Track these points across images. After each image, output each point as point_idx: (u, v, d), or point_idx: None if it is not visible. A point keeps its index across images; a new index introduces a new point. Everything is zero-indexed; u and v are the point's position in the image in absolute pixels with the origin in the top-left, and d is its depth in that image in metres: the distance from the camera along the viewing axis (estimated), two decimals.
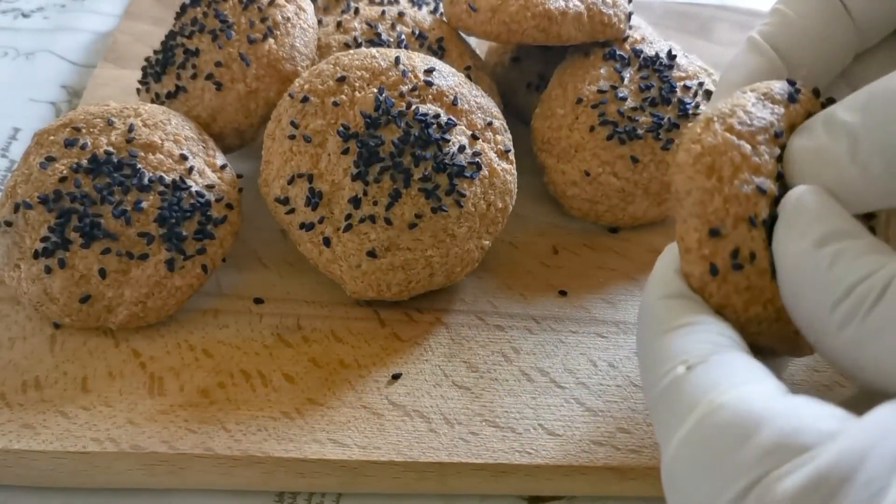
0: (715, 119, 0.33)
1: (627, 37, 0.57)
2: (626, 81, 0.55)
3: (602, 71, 0.55)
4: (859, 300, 0.29)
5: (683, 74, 0.55)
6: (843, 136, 0.32)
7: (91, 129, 0.49)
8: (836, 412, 0.27)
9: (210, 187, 0.48)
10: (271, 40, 0.52)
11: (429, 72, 0.50)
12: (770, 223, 0.33)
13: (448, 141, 0.47)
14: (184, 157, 0.49)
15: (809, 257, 0.30)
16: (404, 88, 0.48)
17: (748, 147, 0.32)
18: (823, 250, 0.30)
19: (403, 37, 0.57)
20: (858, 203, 0.32)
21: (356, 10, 0.59)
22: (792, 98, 0.35)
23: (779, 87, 0.36)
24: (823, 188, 0.32)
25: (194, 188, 0.48)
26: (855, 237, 0.30)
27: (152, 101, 0.55)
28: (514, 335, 0.49)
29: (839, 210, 0.31)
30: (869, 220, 0.36)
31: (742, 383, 0.28)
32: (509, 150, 0.50)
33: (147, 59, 0.57)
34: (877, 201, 0.32)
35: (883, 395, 0.28)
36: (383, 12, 0.58)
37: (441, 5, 0.61)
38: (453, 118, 0.48)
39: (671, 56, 0.56)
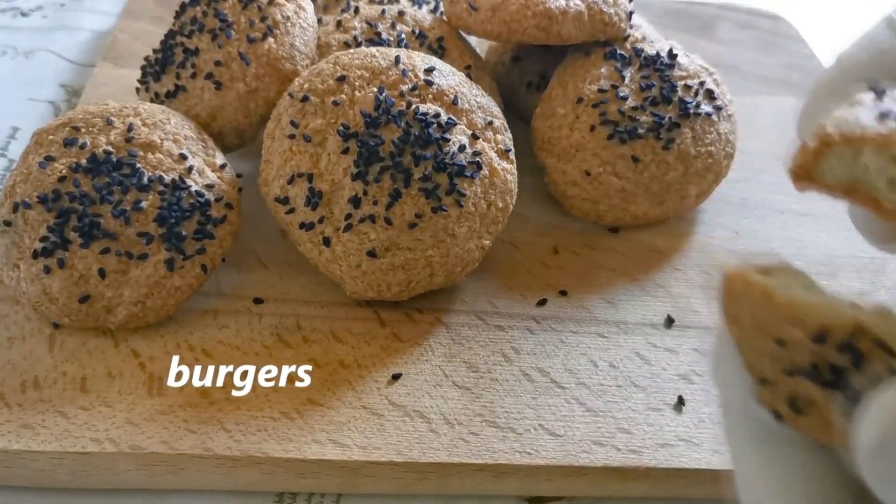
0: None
1: (628, 36, 0.57)
2: (626, 81, 0.55)
3: (603, 70, 0.55)
4: None
5: (684, 74, 0.55)
6: None
7: (90, 129, 0.48)
8: None
9: (209, 187, 0.48)
10: (271, 39, 0.52)
11: (429, 71, 0.49)
12: None
13: (448, 140, 0.47)
14: (183, 157, 0.48)
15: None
16: (404, 88, 0.48)
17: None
18: None
19: (403, 36, 0.57)
20: None
21: (356, 9, 0.58)
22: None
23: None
24: None
25: (194, 188, 0.48)
26: None
27: (152, 101, 0.55)
28: (514, 335, 0.49)
29: None
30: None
31: None
32: (509, 150, 0.50)
33: (146, 59, 0.57)
34: None
35: None
36: (383, 11, 0.58)
37: (441, 4, 0.61)
38: (453, 118, 0.48)
39: (672, 55, 0.56)
